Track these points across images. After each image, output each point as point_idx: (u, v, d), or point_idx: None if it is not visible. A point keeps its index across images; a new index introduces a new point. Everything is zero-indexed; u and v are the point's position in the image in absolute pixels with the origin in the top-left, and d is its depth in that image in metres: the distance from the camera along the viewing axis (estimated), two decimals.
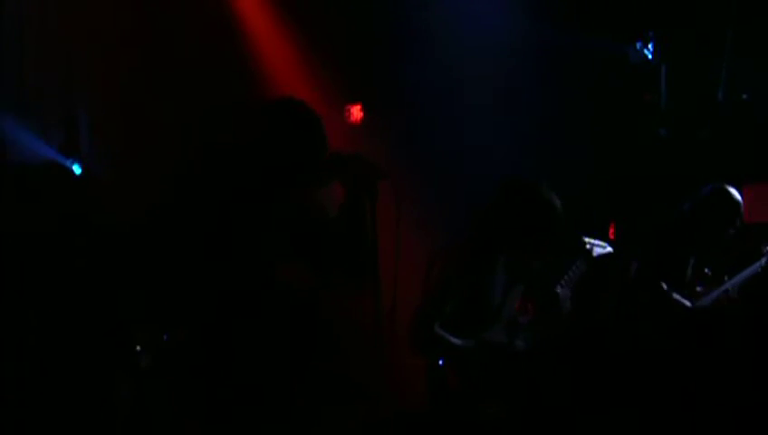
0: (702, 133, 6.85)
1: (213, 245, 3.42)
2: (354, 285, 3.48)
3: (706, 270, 5.39)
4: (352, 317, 3.82)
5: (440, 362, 4.46)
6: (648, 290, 5.20)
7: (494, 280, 4.63)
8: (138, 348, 5.90)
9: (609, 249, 5.14)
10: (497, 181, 4.85)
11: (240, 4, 7.41)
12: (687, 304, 5.32)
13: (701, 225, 5.38)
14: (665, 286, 5.21)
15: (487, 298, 4.58)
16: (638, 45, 6.99)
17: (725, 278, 5.43)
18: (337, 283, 3.47)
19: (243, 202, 3.48)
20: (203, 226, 3.47)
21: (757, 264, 5.51)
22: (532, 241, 4.64)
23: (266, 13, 7.45)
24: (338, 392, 3.55)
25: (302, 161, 3.48)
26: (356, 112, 7.52)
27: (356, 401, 4.12)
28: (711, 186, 5.47)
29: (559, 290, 4.74)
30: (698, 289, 5.36)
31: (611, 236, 6.49)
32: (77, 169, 6.65)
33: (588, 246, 4.99)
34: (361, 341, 3.71)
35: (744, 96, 6.73)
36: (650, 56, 6.98)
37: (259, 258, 3.36)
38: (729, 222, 5.38)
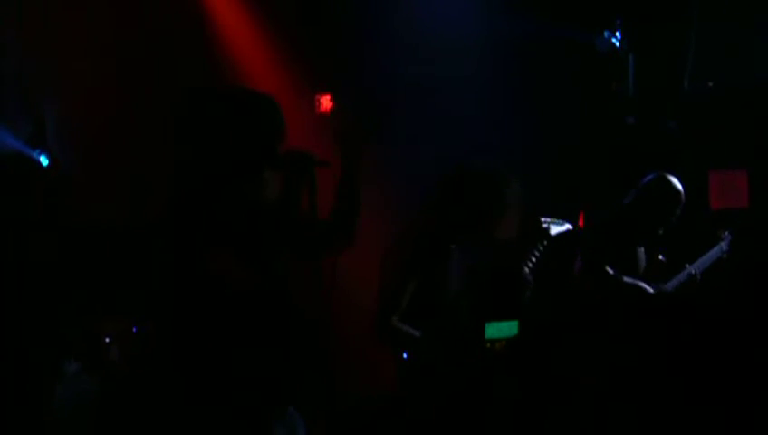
0: (670, 124, 6.89)
1: (168, 238, 3.40)
2: (294, 273, 3.49)
3: (661, 257, 5.43)
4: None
5: (404, 355, 4.43)
6: (594, 276, 5.20)
7: (450, 268, 4.55)
8: (107, 340, 5.89)
9: (568, 226, 5.08)
10: (451, 167, 4.73)
11: None
12: (648, 289, 5.35)
13: (643, 214, 5.39)
14: (611, 271, 5.21)
15: (445, 287, 4.52)
16: (606, 34, 7.01)
17: (686, 265, 5.49)
18: (277, 271, 3.45)
19: (194, 192, 3.44)
20: (162, 219, 3.45)
21: (716, 248, 5.57)
22: (485, 228, 4.55)
23: (235, 4, 7.43)
24: (294, 383, 3.53)
25: (258, 149, 3.44)
26: (326, 102, 7.51)
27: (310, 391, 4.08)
28: (652, 175, 5.48)
29: (525, 271, 4.65)
30: (657, 275, 5.41)
31: (581, 225, 6.50)
32: (44, 161, 6.62)
33: (545, 226, 4.92)
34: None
35: (710, 83, 6.77)
36: (618, 45, 7.00)
37: (200, 250, 3.33)
38: (671, 210, 5.39)
